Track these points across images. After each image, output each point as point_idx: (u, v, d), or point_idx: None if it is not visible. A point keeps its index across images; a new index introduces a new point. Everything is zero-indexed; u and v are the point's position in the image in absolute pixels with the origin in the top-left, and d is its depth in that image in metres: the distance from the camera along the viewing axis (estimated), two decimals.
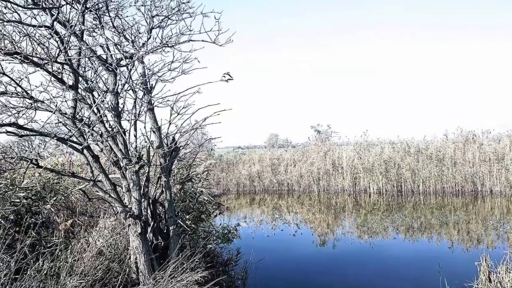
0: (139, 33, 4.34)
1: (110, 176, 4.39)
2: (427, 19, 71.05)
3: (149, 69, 4.45)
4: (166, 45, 4.24)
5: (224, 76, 4.26)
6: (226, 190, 20.86)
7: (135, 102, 4.48)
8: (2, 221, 4.52)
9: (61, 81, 3.91)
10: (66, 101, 3.97)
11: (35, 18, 3.58)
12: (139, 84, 4.46)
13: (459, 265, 7.28)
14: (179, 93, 4.53)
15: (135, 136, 4.53)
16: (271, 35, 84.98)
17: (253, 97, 78.92)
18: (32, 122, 3.56)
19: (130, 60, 4.25)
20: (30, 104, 3.61)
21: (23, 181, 5.34)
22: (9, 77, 3.44)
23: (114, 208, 4.77)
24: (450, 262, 7.44)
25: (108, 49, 4.35)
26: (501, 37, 57.26)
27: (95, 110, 4.16)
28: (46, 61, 3.55)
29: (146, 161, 4.50)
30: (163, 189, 4.87)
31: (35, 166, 3.72)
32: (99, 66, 4.31)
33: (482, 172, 16.46)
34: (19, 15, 3.47)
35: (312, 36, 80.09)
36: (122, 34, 4.26)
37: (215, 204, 7.21)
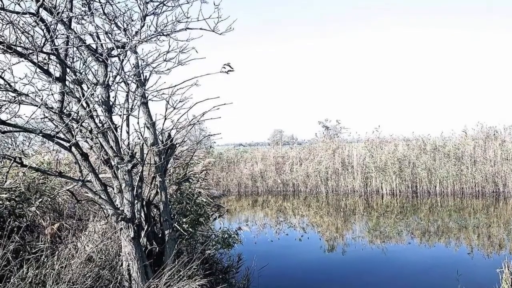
0: (132, 20, 4.31)
1: (100, 175, 4.38)
2: (437, 6, 70.66)
3: (142, 59, 4.43)
4: (161, 34, 4.21)
5: (224, 67, 4.23)
6: (227, 191, 20.88)
7: (127, 95, 4.46)
8: None
9: (47, 72, 3.89)
10: (52, 94, 3.95)
11: (19, 4, 3.56)
12: (132, 76, 4.44)
13: (479, 272, 7.26)
14: (175, 86, 4.51)
15: (128, 132, 4.51)
16: (272, 24, 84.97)
17: (255, 89, 79.05)
18: (15, 117, 3.55)
19: (122, 50, 4.22)
20: (13, 98, 3.60)
21: (6, 181, 5.35)
22: None
23: (105, 211, 4.76)
24: (469, 269, 7.42)
25: (98, 38, 4.33)
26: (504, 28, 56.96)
27: (84, 104, 4.15)
28: (31, 51, 3.54)
29: (139, 159, 4.49)
30: (158, 190, 4.87)
31: (19, 165, 3.71)
32: (89, 57, 4.29)
33: (504, 171, 16.39)
34: (1, 1, 3.45)
35: (316, 26, 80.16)
36: (113, 22, 4.23)
37: (215, 206, 7.22)
